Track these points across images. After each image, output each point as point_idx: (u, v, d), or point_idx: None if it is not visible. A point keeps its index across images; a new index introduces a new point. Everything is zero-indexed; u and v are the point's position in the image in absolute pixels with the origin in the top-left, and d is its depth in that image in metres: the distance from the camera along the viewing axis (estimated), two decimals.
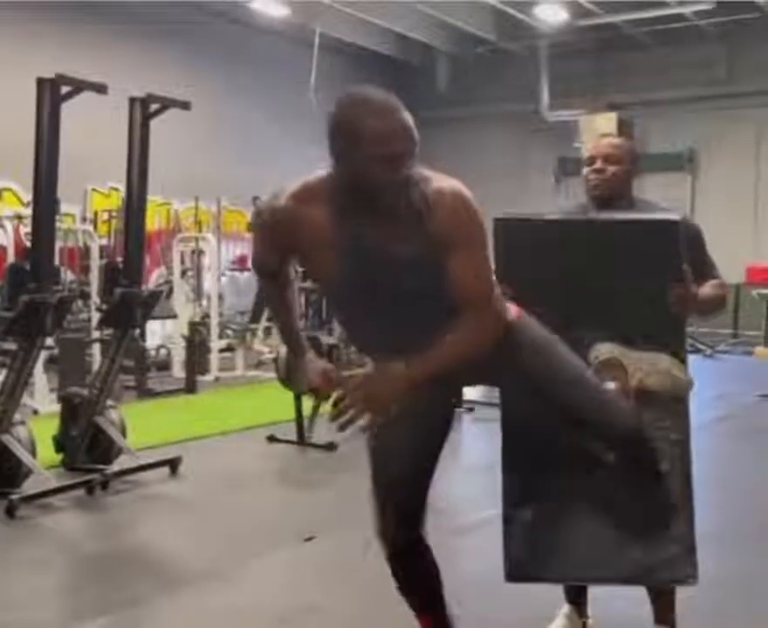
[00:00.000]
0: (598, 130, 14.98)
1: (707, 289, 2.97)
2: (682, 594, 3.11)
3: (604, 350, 2.78)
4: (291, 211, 2.28)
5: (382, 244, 2.24)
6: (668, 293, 2.79)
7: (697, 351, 12.30)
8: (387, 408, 2.28)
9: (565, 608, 3.33)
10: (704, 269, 3.01)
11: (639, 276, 2.85)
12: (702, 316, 3.09)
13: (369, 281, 2.28)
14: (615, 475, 2.80)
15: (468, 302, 2.28)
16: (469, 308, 2.28)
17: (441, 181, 2.28)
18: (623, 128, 15.00)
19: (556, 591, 3.34)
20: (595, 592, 3.36)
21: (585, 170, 3.11)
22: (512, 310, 2.48)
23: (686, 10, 14.22)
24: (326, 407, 2.38)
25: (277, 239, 2.39)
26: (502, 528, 2.97)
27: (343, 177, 2.21)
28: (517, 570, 2.95)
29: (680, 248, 2.84)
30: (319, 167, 2.30)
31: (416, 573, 2.64)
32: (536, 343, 2.50)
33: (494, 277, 2.39)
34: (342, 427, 2.24)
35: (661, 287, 2.80)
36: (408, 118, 2.19)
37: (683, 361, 2.87)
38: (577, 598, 3.32)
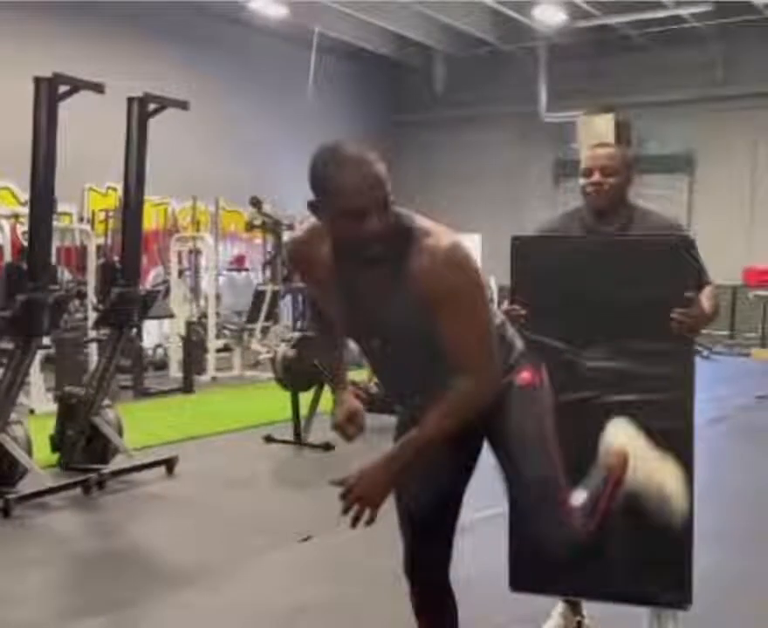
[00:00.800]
0: (596, 132, 14.97)
1: (704, 302, 3.03)
2: None
3: (616, 436, 2.66)
4: (305, 245, 2.35)
5: (371, 293, 2.25)
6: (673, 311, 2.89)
7: None
8: (380, 502, 2.28)
9: (560, 606, 3.37)
10: (699, 275, 3.08)
11: (649, 292, 2.95)
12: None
13: (363, 324, 2.33)
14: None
15: (460, 367, 2.20)
16: (461, 372, 2.20)
17: (437, 239, 2.17)
18: (621, 130, 14.96)
19: None
20: None
21: (582, 181, 3.14)
22: (525, 375, 2.41)
23: (684, 11, 14.22)
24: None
25: (298, 270, 2.50)
26: (508, 540, 3.06)
27: (325, 229, 2.24)
28: (521, 582, 3.09)
29: (691, 265, 2.96)
30: None
31: (434, 614, 2.62)
32: (528, 425, 2.41)
33: (491, 342, 2.28)
34: (353, 525, 2.28)
35: (669, 305, 2.89)
36: (377, 170, 2.11)
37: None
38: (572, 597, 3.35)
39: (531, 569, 3.04)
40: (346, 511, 2.28)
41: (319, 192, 2.16)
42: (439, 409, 2.22)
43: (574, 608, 3.37)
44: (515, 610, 3.49)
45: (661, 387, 2.94)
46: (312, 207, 2.20)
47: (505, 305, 3.04)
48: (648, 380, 2.93)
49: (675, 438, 2.87)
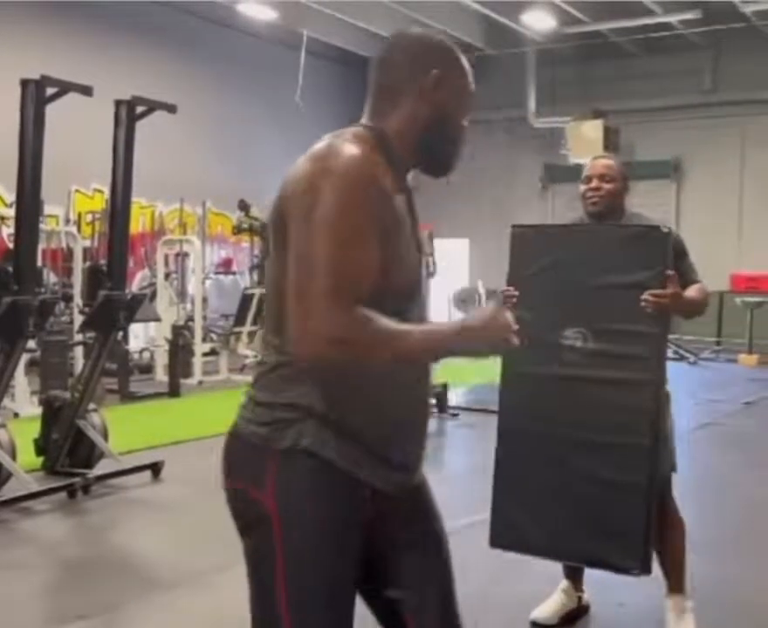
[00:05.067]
0: (584, 137, 15.02)
1: (690, 292, 3.27)
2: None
3: None
4: (376, 169, 1.80)
5: (415, 218, 1.99)
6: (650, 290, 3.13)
7: (681, 358, 12.34)
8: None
9: (563, 583, 3.60)
10: (687, 273, 3.30)
11: (622, 277, 3.21)
12: (685, 316, 3.40)
13: (419, 257, 1.97)
14: (588, 475, 3.19)
15: None
16: None
17: None
18: (609, 136, 15.04)
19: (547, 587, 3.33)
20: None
21: (582, 188, 3.43)
22: None
23: (672, 18, 14.28)
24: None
25: (369, 202, 1.76)
26: (491, 504, 3.38)
27: (421, 113, 1.94)
28: (499, 540, 3.43)
29: (667, 253, 3.20)
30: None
31: None
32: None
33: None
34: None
35: (642, 288, 3.14)
36: None
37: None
38: (573, 574, 3.60)
39: (508, 530, 3.37)
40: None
41: (449, 63, 1.99)
42: None
43: (576, 584, 3.60)
44: (506, 613, 3.47)
45: (635, 366, 3.18)
46: (437, 79, 1.93)
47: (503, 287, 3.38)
48: (622, 359, 3.19)
49: (646, 414, 3.14)
